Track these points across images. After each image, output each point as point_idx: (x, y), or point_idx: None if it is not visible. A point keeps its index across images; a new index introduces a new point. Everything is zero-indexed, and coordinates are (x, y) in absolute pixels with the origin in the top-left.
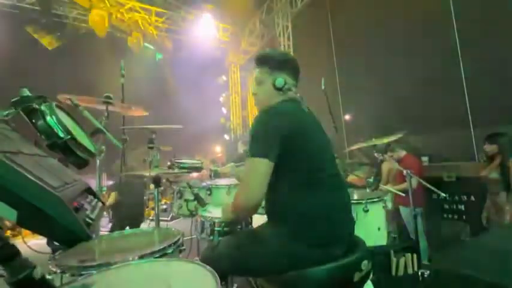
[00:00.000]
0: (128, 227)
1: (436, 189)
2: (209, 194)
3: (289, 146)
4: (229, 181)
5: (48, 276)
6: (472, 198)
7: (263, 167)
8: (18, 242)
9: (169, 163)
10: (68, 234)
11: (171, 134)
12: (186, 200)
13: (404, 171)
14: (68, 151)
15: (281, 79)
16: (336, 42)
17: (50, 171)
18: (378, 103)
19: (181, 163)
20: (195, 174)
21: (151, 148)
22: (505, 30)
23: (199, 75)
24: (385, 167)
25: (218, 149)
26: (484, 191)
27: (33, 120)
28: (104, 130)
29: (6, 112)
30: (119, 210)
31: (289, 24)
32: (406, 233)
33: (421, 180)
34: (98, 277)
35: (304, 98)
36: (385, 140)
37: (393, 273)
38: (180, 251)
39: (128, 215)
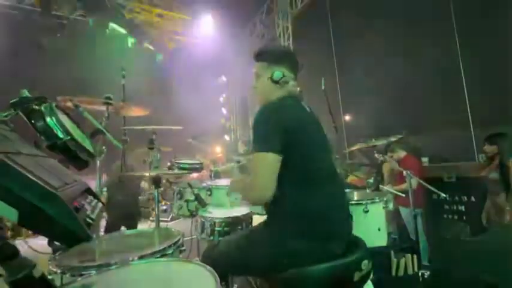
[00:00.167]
0: (123, 227)
1: (436, 190)
2: (209, 195)
3: (289, 143)
4: (229, 181)
5: (48, 276)
6: (472, 198)
7: (270, 160)
8: (18, 242)
9: (169, 164)
10: (68, 234)
11: (171, 134)
12: (187, 201)
13: (404, 172)
14: (68, 152)
15: (278, 72)
16: (336, 42)
17: (50, 171)
18: (378, 103)
19: (181, 164)
20: (195, 175)
21: (151, 149)
22: (506, 30)
23: (199, 75)
24: (386, 167)
25: (218, 150)
26: (484, 191)
27: (33, 121)
28: (104, 131)
29: (6, 113)
30: (112, 209)
31: (289, 25)
32: (406, 234)
33: (421, 181)
34: (98, 277)
35: (304, 94)
36: (385, 141)
37: (393, 273)
38: (180, 252)
39: (121, 214)
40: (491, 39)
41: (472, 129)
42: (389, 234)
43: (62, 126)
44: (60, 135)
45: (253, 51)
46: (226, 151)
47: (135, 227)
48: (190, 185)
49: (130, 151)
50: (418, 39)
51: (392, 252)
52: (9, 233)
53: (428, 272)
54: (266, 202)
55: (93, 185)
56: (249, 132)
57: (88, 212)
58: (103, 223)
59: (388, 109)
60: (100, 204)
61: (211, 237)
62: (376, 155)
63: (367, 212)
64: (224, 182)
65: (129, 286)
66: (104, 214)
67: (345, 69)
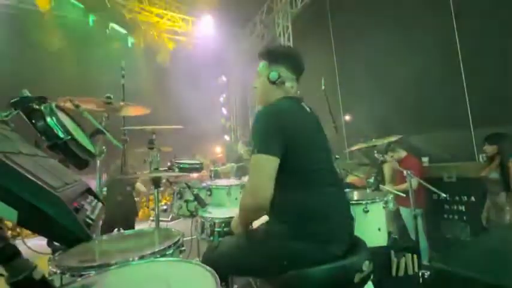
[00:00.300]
0: (119, 227)
1: (436, 190)
2: (209, 195)
3: (288, 145)
4: (229, 182)
5: (48, 277)
6: (472, 198)
7: (268, 162)
8: (18, 243)
9: (169, 164)
10: (68, 234)
11: (171, 134)
12: (186, 201)
13: (405, 172)
14: (68, 152)
15: (274, 72)
16: (336, 42)
17: (50, 171)
18: (378, 103)
19: (181, 164)
20: (195, 175)
21: (151, 149)
22: (506, 30)
23: (199, 75)
24: (387, 168)
25: (218, 150)
26: (484, 191)
27: (33, 121)
28: (104, 131)
29: (6, 113)
30: (108, 209)
31: (289, 25)
32: (407, 234)
33: (422, 181)
34: (98, 278)
35: (303, 94)
36: (385, 141)
37: (393, 273)
38: (180, 252)
39: (115, 214)
40: (491, 39)
41: (472, 129)
42: (389, 234)
43: (62, 126)
44: (61, 135)
45: (256, 50)
46: (227, 151)
47: (132, 227)
48: (188, 186)
49: (131, 151)
50: (419, 39)
51: (392, 252)
52: (9, 233)
53: (429, 272)
54: (263, 206)
55: (93, 184)
56: (249, 133)
57: (88, 212)
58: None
59: (388, 109)
60: (100, 205)
61: (211, 238)
62: (376, 155)
63: (367, 211)
64: (224, 182)
65: (129, 286)
66: None
67: (345, 69)
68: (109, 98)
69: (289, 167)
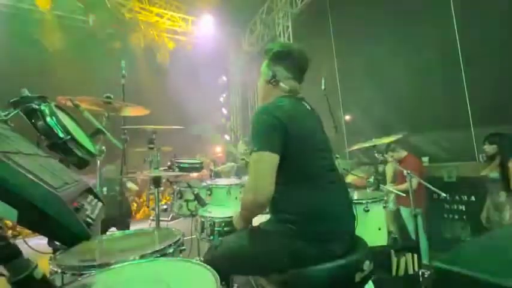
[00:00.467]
0: (113, 228)
1: (436, 190)
2: (209, 194)
3: (288, 142)
4: (229, 181)
5: (49, 276)
6: (473, 198)
7: (268, 159)
8: (19, 242)
9: (169, 163)
10: (68, 234)
11: (172, 134)
12: (186, 200)
13: (405, 172)
14: (68, 151)
15: (270, 72)
16: (336, 42)
17: (50, 171)
18: (378, 103)
19: (181, 163)
20: (195, 174)
21: (151, 148)
22: (506, 30)
23: (199, 75)
24: (389, 168)
25: (218, 149)
26: (484, 191)
27: (33, 121)
28: (104, 130)
29: (6, 112)
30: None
31: (290, 24)
32: (407, 233)
33: (422, 181)
34: (99, 277)
35: (303, 94)
36: (386, 140)
37: (394, 273)
38: (181, 251)
39: (108, 214)
40: (491, 39)
41: (472, 129)
42: (389, 233)
43: (62, 125)
44: (60, 134)
45: (256, 50)
46: (227, 151)
47: (127, 226)
48: (189, 185)
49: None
50: (419, 39)
51: (392, 252)
52: (10, 233)
53: (429, 272)
54: (265, 202)
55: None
56: (250, 132)
57: (88, 212)
58: None
59: (388, 109)
60: (100, 204)
61: (211, 237)
62: (376, 155)
63: (367, 211)
64: (224, 181)
65: (129, 285)
66: None
67: (345, 69)
68: (109, 97)
69: (290, 165)
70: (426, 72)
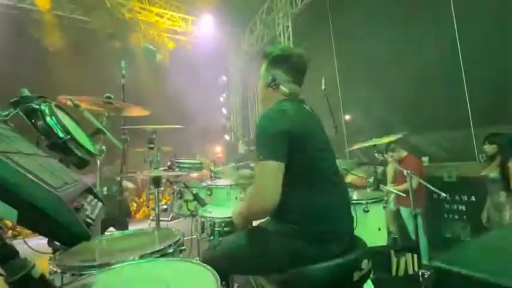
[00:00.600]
0: (111, 228)
1: (436, 190)
2: (209, 194)
3: (291, 145)
4: (229, 181)
5: (48, 276)
6: (473, 198)
7: (274, 168)
8: (18, 242)
9: (169, 163)
10: (68, 234)
11: (172, 134)
12: (186, 200)
13: (405, 172)
14: (68, 151)
15: (269, 76)
16: (336, 42)
17: (50, 171)
18: (378, 103)
19: (181, 163)
20: (195, 174)
21: (151, 148)
22: (506, 29)
23: (199, 75)
24: (390, 168)
25: (218, 149)
26: (484, 191)
27: (33, 121)
28: (104, 130)
29: (6, 112)
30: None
31: (290, 24)
32: (407, 233)
33: (422, 181)
34: (99, 277)
35: (303, 94)
36: (385, 140)
37: (393, 273)
38: (181, 251)
39: (107, 213)
40: (492, 39)
41: (472, 129)
42: (389, 233)
43: (62, 125)
44: (60, 134)
45: (256, 50)
46: (227, 151)
47: (125, 226)
48: (186, 185)
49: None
50: (419, 39)
51: (392, 252)
52: (10, 233)
53: (429, 272)
54: (270, 210)
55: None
56: (250, 132)
57: (88, 212)
58: None
59: (388, 109)
60: (100, 204)
61: (212, 237)
62: (376, 155)
63: (367, 211)
64: (224, 182)
65: (129, 285)
66: None
67: (345, 69)
68: (109, 97)
69: (291, 166)
70: (426, 72)
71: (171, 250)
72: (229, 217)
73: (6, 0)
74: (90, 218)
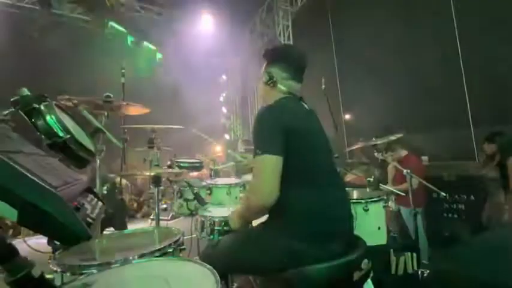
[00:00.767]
0: (110, 228)
1: (436, 189)
2: (209, 194)
3: (289, 143)
4: (229, 180)
5: (48, 276)
6: (472, 197)
7: (272, 162)
8: (18, 241)
9: (169, 162)
10: (68, 233)
11: (171, 133)
12: (186, 200)
13: (405, 171)
14: (68, 150)
15: (266, 74)
16: (336, 41)
17: (50, 170)
18: (378, 103)
19: (181, 162)
20: (195, 173)
21: (151, 147)
22: (506, 29)
23: (199, 74)
24: (390, 168)
25: (218, 149)
26: (484, 190)
27: (33, 120)
28: (104, 130)
29: (6, 112)
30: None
31: (290, 24)
32: (406, 232)
33: (422, 180)
34: (99, 276)
35: (303, 93)
36: (385, 140)
37: (393, 272)
38: (181, 250)
39: (108, 214)
40: (491, 38)
41: (472, 128)
42: (389, 232)
43: (62, 124)
44: (60, 133)
45: (256, 49)
46: (227, 150)
47: (123, 225)
48: (189, 184)
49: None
50: (419, 39)
51: (392, 251)
52: (10, 232)
53: (428, 271)
54: (270, 206)
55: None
56: (250, 132)
57: (88, 211)
58: None
59: (388, 109)
60: (100, 204)
61: (211, 236)
62: (376, 154)
63: (367, 210)
64: (224, 181)
65: (129, 285)
66: None
67: (345, 68)
68: (108, 97)
69: (289, 165)
70: (426, 72)
71: (170, 249)
72: None
73: None
74: (90, 218)
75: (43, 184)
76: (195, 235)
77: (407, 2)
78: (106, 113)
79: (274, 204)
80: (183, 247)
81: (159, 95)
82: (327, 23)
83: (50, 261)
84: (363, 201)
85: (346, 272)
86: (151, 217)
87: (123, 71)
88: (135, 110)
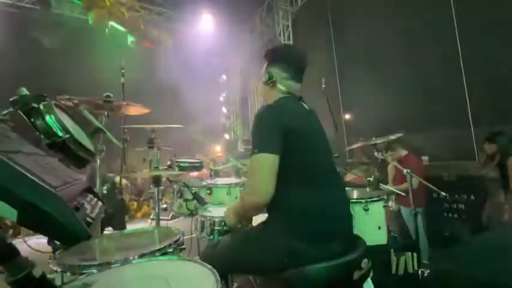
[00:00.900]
0: (110, 228)
1: (436, 189)
2: (209, 193)
3: (288, 142)
4: (229, 180)
5: (48, 275)
6: (472, 197)
7: (269, 161)
8: (18, 241)
9: (169, 162)
10: (68, 233)
11: (171, 133)
12: (186, 199)
13: (405, 171)
14: (67, 150)
15: (266, 74)
16: (336, 41)
17: (50, 170)
18: (378, 102)
19: (181, 162)
20: (195, 173)
21: (151, 147)
22: (506, 29)
23: (199, 74)
24: (391, 167)
25: (218, 149)
26: (484, 190)
27: (32, 120)
28: (104, 129)
29: (5, 112)
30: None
31: (290, 23)
32: (406, 232)
33: (422, 180)
34: (99, 276)
35: (303, 93)
36: (385, 139)
37: (393, 272)
38: (181, 250)
39: (107, 214)
40: (491, 38)
41: (472, 128)
42: (389, 232)
43: (61, 124)
44: (60, 133)
45: (256, 49)
46: (227, 150)
47: (122, 225)
48: (186, 185)
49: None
50: (419, 38)
51: (392, 251)
52: (11, 232)
53: (428, 271)
54: (265, 204)
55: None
56: (250, 132)
57: (88, 211)
58: None
59: (388, 108)
60: (100, 203)
61: (211, 236)
62: (376, 154)
63: (367, 210)
64: (224, 181)
65: (129, 285)
66: None
67: (345, 68)
68: (108, 97)
69: (289, 165)
70: (426, 71)
71: (170, 249)
72: None
73: None
74: (90, 217)
75: (43, 184)
76: (195, 235)
77: (408, 2)
78: (106, 113)
79: (274, 204)
80: (183, 247)
81: (159, 95)
82: (327, 23)
83: (50, 261)
84: (363, 201)
85: (346, 271)
86: (151, 217)
87: (123, 71)
88: (135, 110)
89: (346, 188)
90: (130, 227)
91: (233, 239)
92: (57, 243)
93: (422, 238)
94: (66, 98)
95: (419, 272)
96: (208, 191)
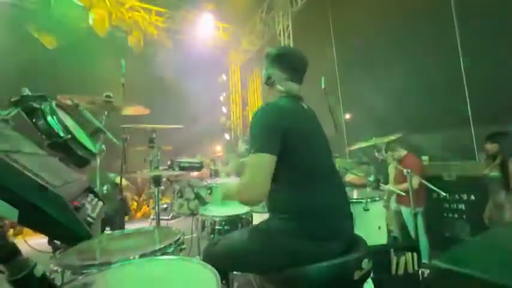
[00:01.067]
0: (107, 228)
1: (436, 189)
2: (209, 193)
3: (287, 142)
4: (229, 180)
5: (49, 275)
6: (473, 197)
7: (265, 161)
8: (19, 241)
9: (169, 162)
10: (68, 233)
11: (172, 133)
12: (187, 199)
13: (405, 171)
14: (69, 150)
15: (266, 75)
16: (337, 41)
17: (50, 170)
18: (378, 102)
19: (181, 162)
20: (195, 173)
21: (151, 147)
22: (506, 29)
23: (199, 74)
24: (391, 167)
25: (218, 148)
26: (484, 190)
27: (34, 120)
28: (104, 129)
29: (7, 111)
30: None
31: (290, 23)
32: (407, 232)
33: (422, 180)
34: (99, 276)
35: (303, 93)
36: (385, 140)
37: (393, 272)
38: (181, 250)
39: (106, 214)
40: (492, 38)
41: (472, 128)
42: (389, 232)
43: (63, 124)
44: (61, 133)
45: (256, 49)
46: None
47: (122, 225)
48: (190, 184)
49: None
50: (419, 38)
51: (392, 251)
52: (11, 231)
53: (428, 271)
54: (258, 202)
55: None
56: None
57: (88, 211)
58: None
59: (388, 108)
60: (101, 203)
61: (212, 236)
62: (376, 154)
63: (367, 210)
64: (224, 180)
65: (129, 284)
66: None
67: (345, 67)
68: (109, 96)
69: (289, 164)
70: (426, 71)
71: (171, 249)
72: (230, 216)
73: None
74: (91, 217)
75: (43, 184)
76: (195, 235)
77: (408, 2)
78: (106, 113)
79: (275, 203)
80: (183, 247)
81: (159, 95)
82: (327, 22)
83: (50, 260)
84: (363, 200)
85: (346, 271)
86: (152, 217)
87: (123, 71)
88: (135, 110)
89: (346, 189)
90: (130, 227)
91: (234, 238)
92: (58, 243)
93: (422, 238)
94: (66, 97)
95: (419, 272)
96: (209, 191)
